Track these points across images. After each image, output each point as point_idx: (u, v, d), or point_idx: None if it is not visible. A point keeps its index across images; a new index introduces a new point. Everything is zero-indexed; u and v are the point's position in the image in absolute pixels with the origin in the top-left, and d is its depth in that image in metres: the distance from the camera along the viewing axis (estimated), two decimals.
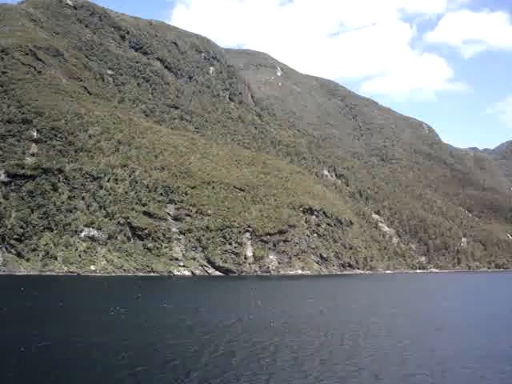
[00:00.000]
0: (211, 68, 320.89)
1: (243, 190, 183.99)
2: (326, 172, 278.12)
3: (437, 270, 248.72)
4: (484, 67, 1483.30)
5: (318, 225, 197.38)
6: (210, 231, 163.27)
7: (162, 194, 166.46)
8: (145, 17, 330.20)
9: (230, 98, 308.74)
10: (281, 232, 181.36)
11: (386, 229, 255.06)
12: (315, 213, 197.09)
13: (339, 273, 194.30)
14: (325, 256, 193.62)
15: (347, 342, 48.76)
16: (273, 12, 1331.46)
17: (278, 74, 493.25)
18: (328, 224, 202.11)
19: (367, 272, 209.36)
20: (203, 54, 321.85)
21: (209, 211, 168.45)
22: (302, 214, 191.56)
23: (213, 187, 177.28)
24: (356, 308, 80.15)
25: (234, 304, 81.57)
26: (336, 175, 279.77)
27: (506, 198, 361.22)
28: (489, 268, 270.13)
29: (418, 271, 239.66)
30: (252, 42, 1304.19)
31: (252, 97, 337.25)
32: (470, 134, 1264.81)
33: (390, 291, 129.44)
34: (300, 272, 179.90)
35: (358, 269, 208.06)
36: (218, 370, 37.49)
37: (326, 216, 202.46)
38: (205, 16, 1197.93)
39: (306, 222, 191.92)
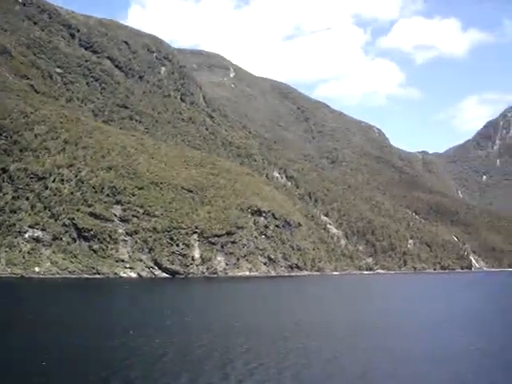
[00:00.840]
0: (163, 68, 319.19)
1: (191, 192, 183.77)
2: (276, 174, 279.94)
3: (383, 271, 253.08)
4: (435, 73, 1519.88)
5: (267, 226, 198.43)
6: (157, 232, 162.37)
7: (108, 194, 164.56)
8: (100, 16, 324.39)
9: (181, 98, 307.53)
10: (229, 233, 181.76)
11: (334, 230, 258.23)
12: (264, 214, 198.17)
13: (287, 274, 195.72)
14: (273, 257, 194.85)
15: (274, 344, 49.34)
16: (228, 14, 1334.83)
17: (231, 75, 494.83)
18: (276, 225, 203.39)
19: (315, 273, 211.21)
20: (155, 54, 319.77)
21: (156, 212, 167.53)
22: (250, 216, 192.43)
23: (161, 188, 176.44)
24: (295, 309, 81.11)
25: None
26: (286, 177, 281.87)
27: (452, 200, 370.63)
28: (434, 269, 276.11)
29: (364, 272, 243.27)
30: (207, 44, 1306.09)
31: (204, 98, 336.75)
32: (421, 138, 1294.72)
33: (332, 292, 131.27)
34: (248, 273, 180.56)
35: (306, 270, 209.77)
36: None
37: (275, 218, 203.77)
38: (160, 16, 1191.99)
39: (255, 224, 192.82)
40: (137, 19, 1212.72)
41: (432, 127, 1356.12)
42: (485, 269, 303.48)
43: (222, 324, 60.08)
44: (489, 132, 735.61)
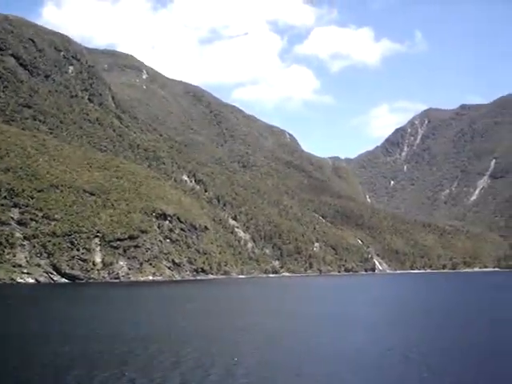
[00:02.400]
0: (70, 67, 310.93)
1: (93, 194, 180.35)
2: (185, 177, 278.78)
3: (289, 274, 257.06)
4: (349, 81, 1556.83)
5: (172, 230, 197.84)
6: (57, 237, 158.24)
7: (5, 197, 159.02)
8: (13, 13, 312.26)
9: (89, 99, 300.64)
10: (132, 237, 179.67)
11: (241, 234, 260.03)
12: (169, 218, 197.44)
13: (192, 278, 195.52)
14: (177, 261, 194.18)
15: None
16: (145, 15, 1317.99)
17: (144, 76, 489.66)
18: (182, 229, 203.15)
19: (221, 277, 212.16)
20: (62, 53, 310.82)
21: (56, 216, 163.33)
22: (154, 220, 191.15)
23: (61, 191, 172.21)
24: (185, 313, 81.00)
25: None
26: (195, 181, 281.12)
27: (358, 205, 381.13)
28: (339, 271, 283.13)
29: (270, 275, 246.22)
30: (123, 45, 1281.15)
31: (113, 99, 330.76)
32: (334, 143, 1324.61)
33: (233, 295, 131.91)
34: (151, 278, 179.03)
35: (212, 274, 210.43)
36: None
37: (180, 221, 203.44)
38: (76, 16, 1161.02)
39: (159, 228, 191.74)
40: (51, 18, 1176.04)
41: (345, 133, 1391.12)
42: (388, 271, 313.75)
43: (83, 331, 59.14)
44: (397, 139, 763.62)
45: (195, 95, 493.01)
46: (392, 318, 77.42)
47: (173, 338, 55.50)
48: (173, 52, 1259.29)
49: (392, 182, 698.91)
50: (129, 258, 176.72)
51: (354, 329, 64.48)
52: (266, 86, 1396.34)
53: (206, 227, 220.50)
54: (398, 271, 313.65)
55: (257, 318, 73.53)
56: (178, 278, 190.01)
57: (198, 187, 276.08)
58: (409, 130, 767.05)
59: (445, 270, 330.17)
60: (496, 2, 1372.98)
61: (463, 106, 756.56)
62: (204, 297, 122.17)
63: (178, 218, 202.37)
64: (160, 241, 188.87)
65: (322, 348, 50.32)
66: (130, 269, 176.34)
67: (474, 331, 59.32)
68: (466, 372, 38.89)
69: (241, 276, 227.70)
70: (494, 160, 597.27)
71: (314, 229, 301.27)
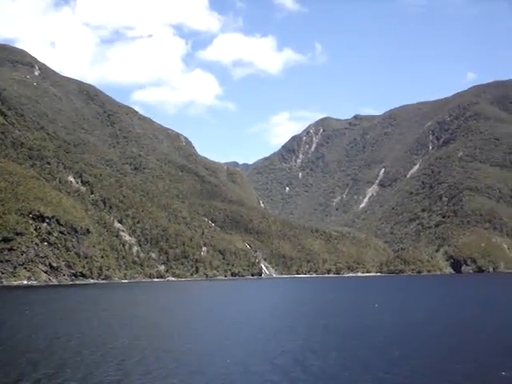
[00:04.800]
0: None
1: None
2: (71, 178, 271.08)
3: (174, 279, 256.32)
4: (251, 88, 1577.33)
5: (50, 233, 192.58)
6: None
7: None
8: None
9: None
10: (6, 240, 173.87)
11: (127, 238, 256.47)
12: (47, 220, 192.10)
13: (70, 282, 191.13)
14: (55, 265, 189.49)
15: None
16: (47, 12, 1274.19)
17: (36, 73, 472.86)
18: (61, 232, 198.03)
19: (102, 281, 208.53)
20: None
21: None
22: (31, 221, 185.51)
23: None
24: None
25: None
26: (82, 182, 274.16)
27: (248, 210, 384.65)
28: (225, 276, 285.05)
29: (155, 280, 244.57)
30: (22, 40, 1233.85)
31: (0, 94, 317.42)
32: (234, 149, 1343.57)
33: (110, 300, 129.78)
34: (25, 282, 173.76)
35: (92, 278, 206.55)
36: None
37: (60, 224, 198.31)
38: None
39: (36, 230, 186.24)
40: None
41: (245, 140, 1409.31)
42: (274, 275, 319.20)
43: None
44: (293, 146, 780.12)
45: (89, 94, 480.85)
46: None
47: None
48: (73, 50, 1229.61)
49: (287, 189, 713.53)
50: (2, 262, 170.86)
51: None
52: (169, 89, 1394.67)
53: (87, 230, 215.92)
54: (285, 275, 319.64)
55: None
56: (55, 282, 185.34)
57: (84, 189, 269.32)
58: (304, 138, 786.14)
59: (329, 275, 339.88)
60: (393, 21, 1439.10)
61: (357, 117, 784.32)
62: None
63: (58, 221, 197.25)
64: (36, 244, 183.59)
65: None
66: (2, 273, 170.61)
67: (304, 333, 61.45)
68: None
69: (123, 281, 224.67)
70: (383, 169, 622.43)
71: (203, 233, 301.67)
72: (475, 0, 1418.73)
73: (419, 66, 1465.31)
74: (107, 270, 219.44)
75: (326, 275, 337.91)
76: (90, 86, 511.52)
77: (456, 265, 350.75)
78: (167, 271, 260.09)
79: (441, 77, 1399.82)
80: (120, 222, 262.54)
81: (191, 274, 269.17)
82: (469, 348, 48.19)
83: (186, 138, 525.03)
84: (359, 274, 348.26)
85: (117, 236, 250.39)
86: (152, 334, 60.89)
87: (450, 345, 49.97)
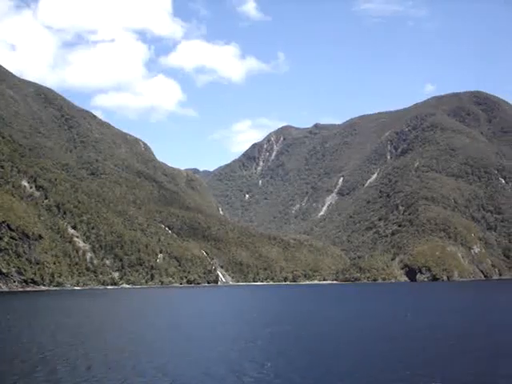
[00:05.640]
0: None
1: None
2: (25, 183, 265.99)
3: (129, 286, 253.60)
4: (214, 96, 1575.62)
5: (0, 238, 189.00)
6: None
7: None
8: None
9: None
10: None
11: (81, 244, 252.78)
12: None
13: (21, 289, 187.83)
14: (5, 272, 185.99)
15: None
16: (7, 15, 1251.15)
17: None
18: (12, 238, 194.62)
19: (53, 288, 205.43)
20: None
21: None
22: None
23: None
24: None
25: None
26: (36, 187, 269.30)
27: (206, 217, 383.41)
28: (181, 283, 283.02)
29: (109, 287, 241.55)
30: None
31: None
32: (195, 156, 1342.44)
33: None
34: None
35: (44, 285, 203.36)
36: None
37: (11, 229, 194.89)
38: None
39: None
40: None
41: (207, 147, 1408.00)
42: (231, 283, 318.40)
43: None
44: (254, 154, 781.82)
45: (47, 98, 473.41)
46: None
47: None
48: (34, 54, 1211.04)
49: (247, 196, 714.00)
50: None
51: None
52: (130, 94, 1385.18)
53: (40, 236, 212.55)
54: (241, 283, 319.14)
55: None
56: (4, 288, 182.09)
57: (38, 193, 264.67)
58: (265, 146, 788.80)
59: (286, 283, 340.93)
60: (354, 32, 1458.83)
61: (317, 126, 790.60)
62: None
63: (8, 226, 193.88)
64: None
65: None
66: None
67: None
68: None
69: (76, 288, 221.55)
70: (341, 178, 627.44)
71: (159, 240, 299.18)
72: (435, 14, 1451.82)
73: (380, 76, 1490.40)
74: (59, 276, 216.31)
75: (283, 283, 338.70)
76: (48, 89, 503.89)
77: (411, 273, 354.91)
78: (121, 278, 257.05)
79: (401, 88, 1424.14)
80: (74, 227, 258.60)
81: (146, 282, 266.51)
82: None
83: (145, 143, 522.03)
84: (316, 282, 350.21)
85: (70, 242, 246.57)
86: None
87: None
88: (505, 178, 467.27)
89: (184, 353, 52.43)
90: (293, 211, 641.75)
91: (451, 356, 48.99)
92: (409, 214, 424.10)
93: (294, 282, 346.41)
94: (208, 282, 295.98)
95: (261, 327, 75.50)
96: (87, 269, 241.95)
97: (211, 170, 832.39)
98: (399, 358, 48.13)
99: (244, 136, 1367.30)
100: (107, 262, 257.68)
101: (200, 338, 63.22)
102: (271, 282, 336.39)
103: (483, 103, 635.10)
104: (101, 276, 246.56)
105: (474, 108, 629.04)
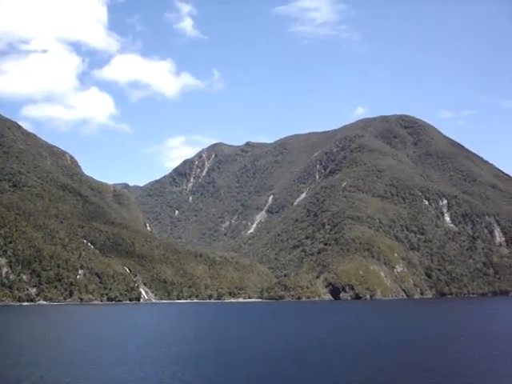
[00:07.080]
0: None
1: None
2: None
3: (46, 302, 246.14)
4: (148, 111, 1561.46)
5: None
6: None
7: None
8: None
9: None
10: None
11: None
12: None
13: None
14: None
15: None
16: None
17: None
18: None
19: None
20: None
21: None
22: None
23: None
24: None
25: None
26: None
27: (131, 233, 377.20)
28: (101, 300, 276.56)
29: (24, 303, 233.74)
30: None
31: None
32: (127, 171, 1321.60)
33: None
34: None
35: None
36: None
37: None
38: None
39: None
40: None
41: (139, 162, 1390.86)
42: (153, 300, 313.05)
43: None
44: (185, 170, 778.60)
45: None
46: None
47: None
48: None
49: (176, 212, 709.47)
50: None
51: None
52: (61, 106, 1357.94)
53: None
54: (164, 301, 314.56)
55: None
56: None
57: None
58: (196, 162, 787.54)
59: (211, 300, 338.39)
60: (288, 53, 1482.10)
61: (248, 144, 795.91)
62: None
63: None
64: None
65: None
66: None
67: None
68: None
69: None
70: (271, 196, 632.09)
71: (80, 255, 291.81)
72: (368, 38, 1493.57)
73: (312, 97, 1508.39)
74: None
75: (208, 300, 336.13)
76: None
77: (335, 291, 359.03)
78: (38, 294, 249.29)
79: (333, 109, 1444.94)
80: None
81: (64, 298, 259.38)
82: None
83: (72, 156, 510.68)
84: (240, 300, 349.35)
85: None
86: None
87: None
88: (428, 200, 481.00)
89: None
90: (222, 228, 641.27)
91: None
92: (334, 233, 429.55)
93: (219, 299, 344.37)
94: (130, 300, 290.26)
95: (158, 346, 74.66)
96: (2, 284, 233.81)
97: (141, 185, 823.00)
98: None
99: (178, 152, 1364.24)
100: (24, 277, 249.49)
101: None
102: (195, 300, 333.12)
103: (410, 126, 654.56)
104: (17, 292, 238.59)
105: (401, 131, 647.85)
